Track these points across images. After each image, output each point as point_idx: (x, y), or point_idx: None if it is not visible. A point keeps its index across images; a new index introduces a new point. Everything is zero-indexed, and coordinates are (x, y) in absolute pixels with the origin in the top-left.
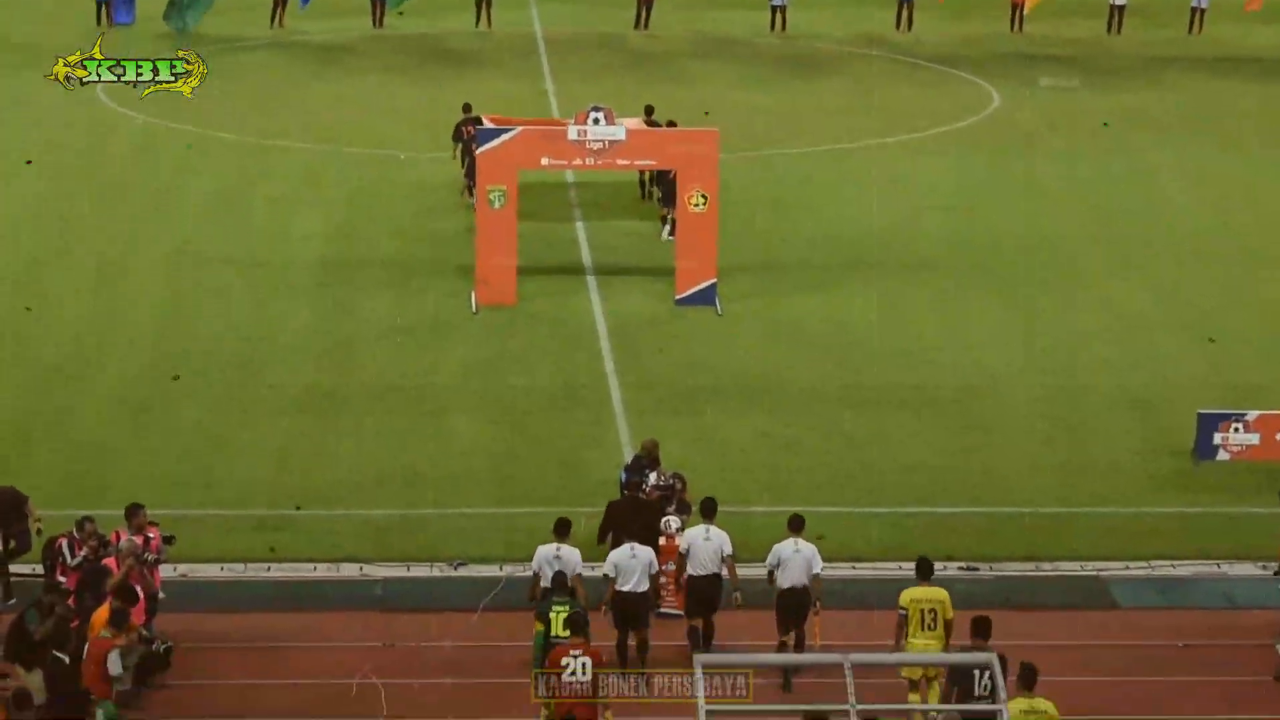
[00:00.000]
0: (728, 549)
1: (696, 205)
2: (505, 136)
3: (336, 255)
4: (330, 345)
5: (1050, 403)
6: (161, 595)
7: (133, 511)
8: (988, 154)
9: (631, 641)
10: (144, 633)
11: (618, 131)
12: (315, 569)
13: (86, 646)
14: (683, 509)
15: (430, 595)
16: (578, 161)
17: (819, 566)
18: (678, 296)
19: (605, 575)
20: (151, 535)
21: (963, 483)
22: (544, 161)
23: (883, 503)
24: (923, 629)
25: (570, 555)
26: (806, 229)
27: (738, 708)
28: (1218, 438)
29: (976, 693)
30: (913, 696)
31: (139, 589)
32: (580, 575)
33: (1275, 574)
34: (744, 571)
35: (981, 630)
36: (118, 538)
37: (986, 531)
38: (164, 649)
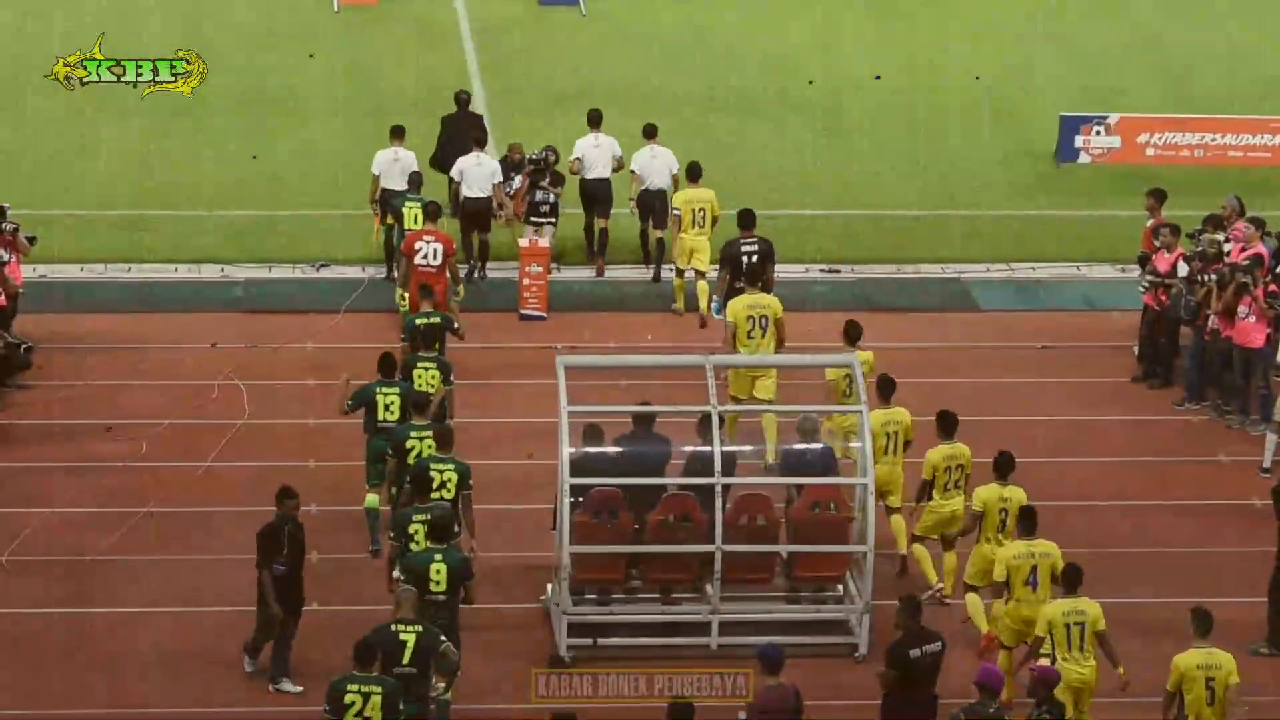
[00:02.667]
0: (617, 151)
1: None
2: None
3: None
4: (190, 44)
5: (914, 108)
6: (22, 292)
7: None
8: None
9: (473, 240)
10: (5, 335)
11: None
12: (176, 270)
13: None
14: (556, 181)
15: (292, 297)
16: None
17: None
18: None
19: (451, 179)
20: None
21: (825, 186)
22: None
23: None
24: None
25: (408, 156)
26: None
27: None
28: (1079, 140)
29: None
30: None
31: None
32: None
33: (1139, 277)
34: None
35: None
36: None
37: (848, 234)
38: (25, 349)
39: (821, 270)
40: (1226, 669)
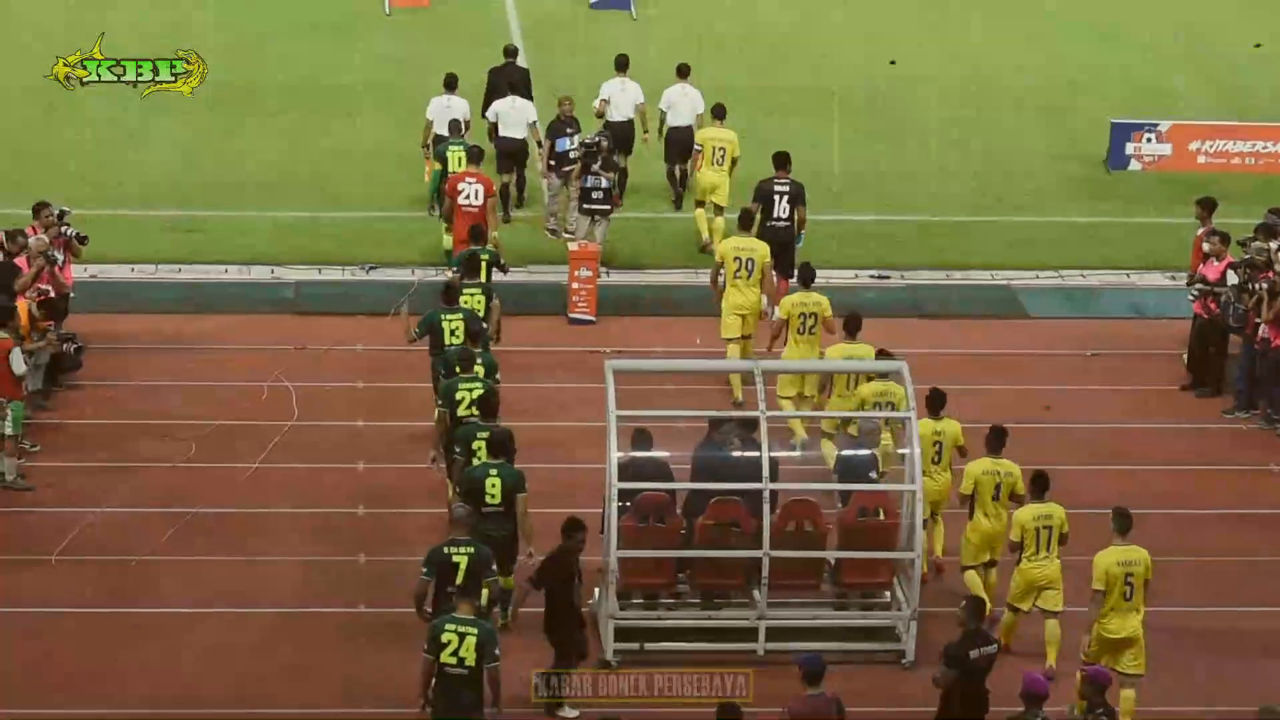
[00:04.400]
0: (640, 99)
1: None
2: None
3: None
4: (240, 41)
5: (963, 107)
6: (72, 295)
7: (39, 208)
8: None
9: (508, 179)
10: (53, 333)
11: None
12: (226, 271)
13: None
14: (608, 166)
15: (342, 298)
16: None
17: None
18: (593, 0)
19: (488, 119)
20: (66, 232)
21: (875, 190)
22: None
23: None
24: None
25: (460, 103)
26: None
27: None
28: (1130, 147)
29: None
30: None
31: (50, 288)
32: (469, 120)
33: (1188, 283)
34: None
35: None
36: (34, 232)
37: (897, 239)
38: (75, 349)
39: (871, 276)
40: (1144, 565)
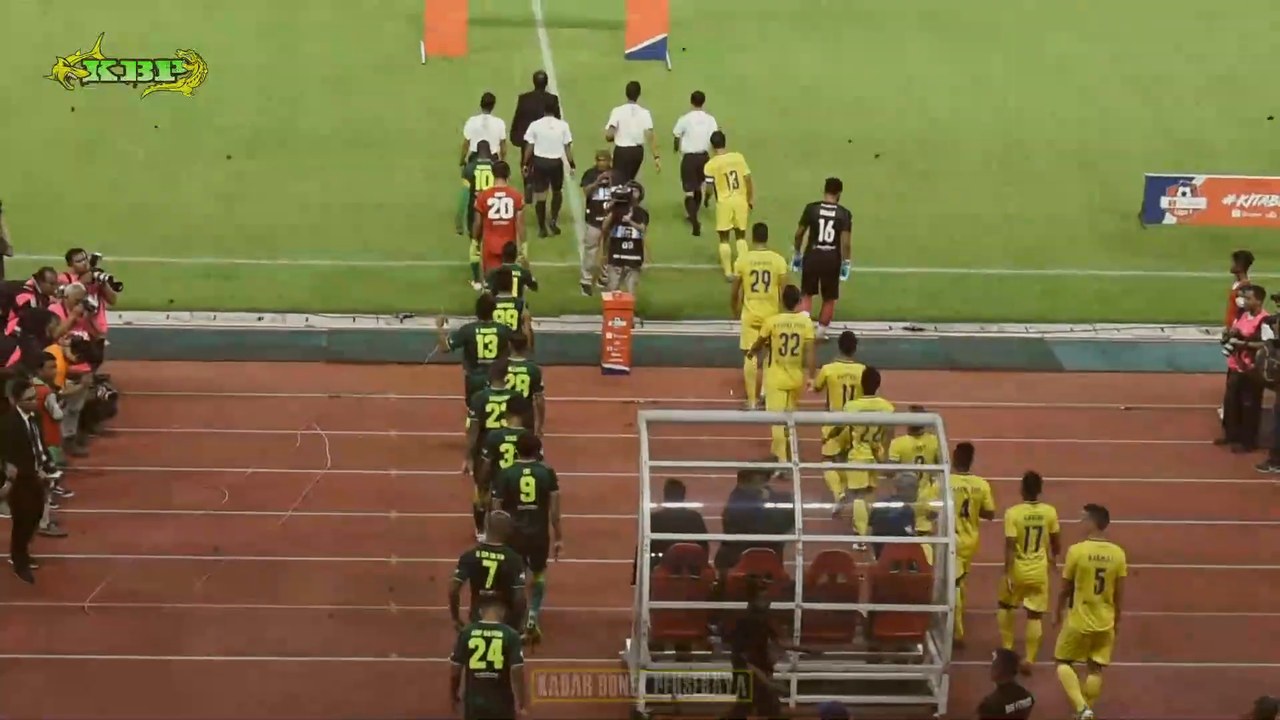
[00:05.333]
0: (649, 124)
1: None
2: None
3: None
4: (277, 89)
5: (998, 158)
6: (107, 341)
7: (72, 254)
8: None
9: (544, 197)
10: (88, 378)
11: None
12: (261, 319)
13: None
14: (639, 217)
15: (375, 347)
16: None
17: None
18: (628, 50)
19: (525, 140)
20: (100, 276)
21: (909, 242)
22: None
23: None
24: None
25: (497, 124)
26: None
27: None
28: (1165, 201)
29: None
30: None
31: (84, 332)
32: (504, 141)
33: (1222, 341)
34: None
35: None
36: (67, 280)
37: (931, 292)
38: (109, 396)
39: (905, 328)
40: (1117, 561)
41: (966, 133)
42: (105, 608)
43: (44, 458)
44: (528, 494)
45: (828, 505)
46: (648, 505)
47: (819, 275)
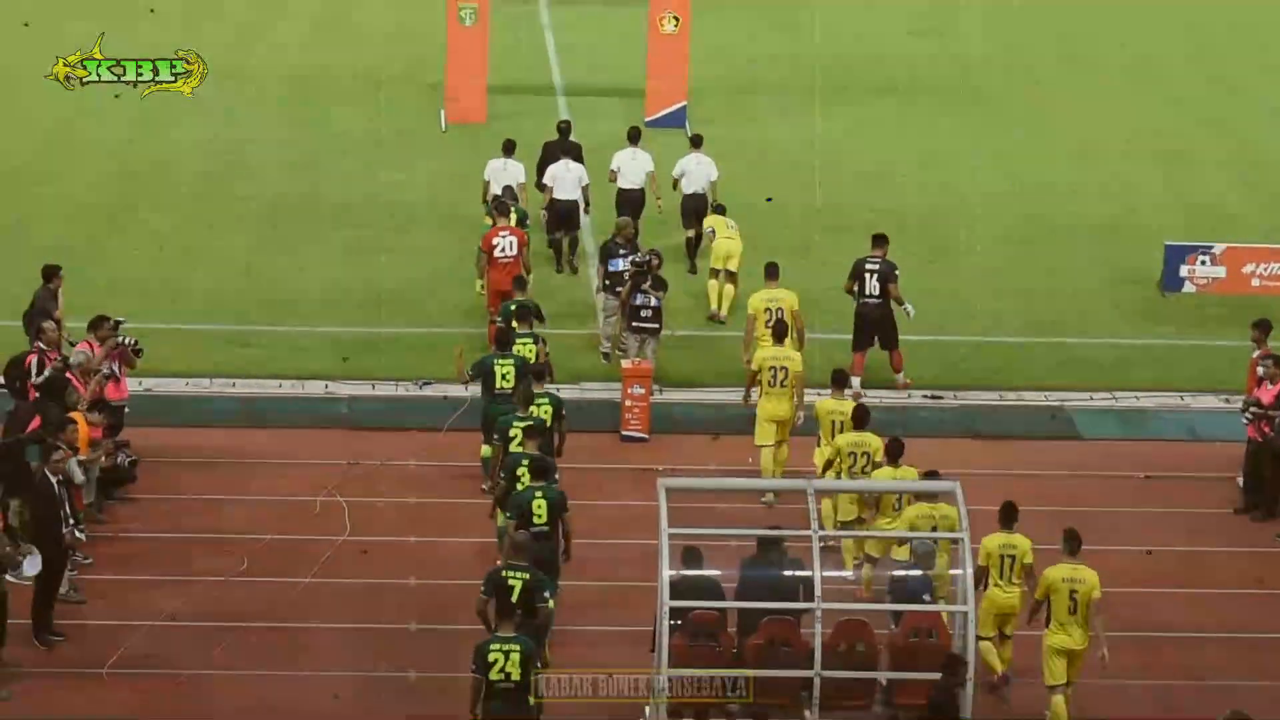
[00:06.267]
0: (650, 167)
1: (668, 27)
2: None
3: (306, 67)
4: (298, 157)
5: (1017, 227)
6: (127, 409)
7: (97, 323)
8: None
9: (561, 235)
10: (108, 443)
11: None
12: (281, 386)
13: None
14: (659, 285)
15: (395, 414)
16: None
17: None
18: (648, 118)
19: (542, 184)
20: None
21: (927, 308)
22: None
23: (847, 329)
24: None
25: (516, 167)
26: (777, 50)
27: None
28: (1184, 270)
29: None
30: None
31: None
32: (524, 184)
33: (1242, 410)
34: None
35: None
36: (89, 347)
37: (949, 359)
38: (129, 462)
39: (924, 396)
40: (1090, 583)
41: (986, 203)
42: (124, 673)
43: (72, 520)
44: (539, 516)
45: (847, 574)
46: (666, 573)
47: (870, 329)
